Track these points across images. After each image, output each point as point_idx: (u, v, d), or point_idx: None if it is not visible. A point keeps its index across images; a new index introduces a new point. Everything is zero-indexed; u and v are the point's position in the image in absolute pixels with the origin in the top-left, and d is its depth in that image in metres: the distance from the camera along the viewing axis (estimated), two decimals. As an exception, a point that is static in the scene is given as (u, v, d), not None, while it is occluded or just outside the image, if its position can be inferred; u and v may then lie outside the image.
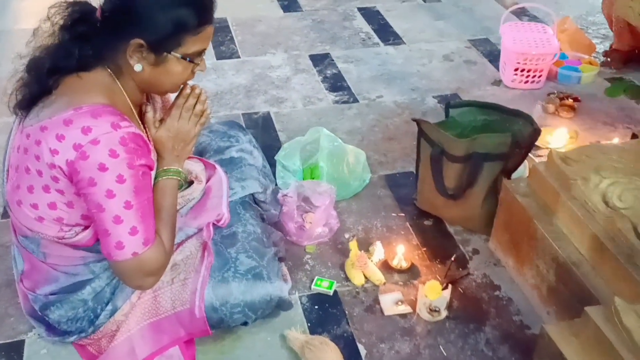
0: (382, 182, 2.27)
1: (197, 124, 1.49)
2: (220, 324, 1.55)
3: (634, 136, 2.12)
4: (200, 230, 1.60)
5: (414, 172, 2.29)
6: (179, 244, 1.57)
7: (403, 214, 2.12)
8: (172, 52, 1.33)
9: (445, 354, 1.65)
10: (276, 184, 2.12)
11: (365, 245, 1.96)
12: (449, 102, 2.04)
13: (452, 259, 1.86)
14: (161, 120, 1.48)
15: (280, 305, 1.62)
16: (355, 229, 2.05)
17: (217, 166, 1.73)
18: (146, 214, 1.34)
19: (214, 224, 1.61)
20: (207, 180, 1.70)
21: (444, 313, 1.73)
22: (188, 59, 1.37)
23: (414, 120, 1.97)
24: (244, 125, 2.53)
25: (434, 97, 2.83)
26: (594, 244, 1.57)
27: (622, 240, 1.50)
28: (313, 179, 2.18)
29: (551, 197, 1.73)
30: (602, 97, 2.85)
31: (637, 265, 1.46)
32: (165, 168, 1.46)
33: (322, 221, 1.96)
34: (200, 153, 1.87)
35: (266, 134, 2.53)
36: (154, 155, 1.43)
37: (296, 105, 2.74)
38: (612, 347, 1.29)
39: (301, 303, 1.78)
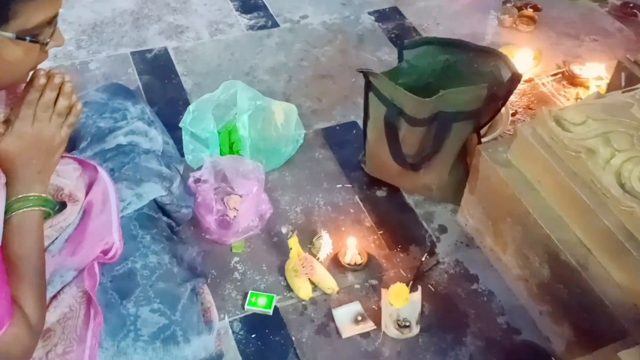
0: (320, 140, 1.82)
1: (62, 125, 1.00)
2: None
3: (620, 67, 1.74)
4: (82, 271, 1.13)
5: (357, 123, 1.86)
6: (53, 297, 1.10)
7: (350, 185, 1.69)
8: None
9: (422, 384, 1.31)
10: (185, 160, 1.63)
11: (307, 236, 1.55)
12: (403, 43, 1.56)
13: (423, 259, 1.48)
14: (6, 122, 0.97)
15: (207, 363, 1.20)
16: (292, 213, 1.62)
17: (100, 169, 1.22)
18: None
19: (100, 260, 1.13)
20: (87, 191, 1.21)
21: (415, 328, 1.37)
22: (28, 38, 0.85)
23: (361, 71, 1.49)
24: (133, 64, 1.98)
25: (369, 13, 2.32)
26: (606, 240, 1.22)
27: (648, 239, 1.15)
28: (232, 146, 1.70)
29: (543, 173, 1.35)
30: (562, 2, 2.44)
31: (669, 273, 1.12)
32: (21, 196, 0.97)
33: (251, 213, 1.51)
34: (73, 142, 1.34)
35: (165, 82, 1.98)
36: None
37: (201, 36, 2.18)
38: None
39: (233, 331, 1.37)
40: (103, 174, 1.22)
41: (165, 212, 1.38)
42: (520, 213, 1.37)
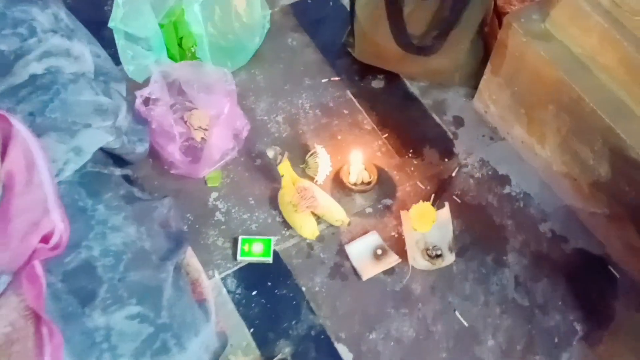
0: (290, 20, 1.44)
1: None
2: None
3: None
4: (19, 273, 0.81)
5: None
6: (-16, 317, 0.79)
7: (338, 77, 1.36)
8: None
9: (465, 323, 1.09)
10: (126, 74, 1.25)
11: (297, 153, 1.24)
12: None
13: (453, 175, 1.19)
14: None
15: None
16: (273, 124, 1.29)
17: (13, 120, 0.86)
18: None
19: (41, 254, 0.81)
20: (2, 155, 0.85)
21: (449, 256, 1.12)
22: None
23: None
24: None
25: None
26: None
27: None
28: (182, 42, 1.31)
29: (601, 47, 1.05)
30: None
31: None
32: None
33: (227, 137, 1.18)
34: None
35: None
36: None
37: None
38: None
39: (228, 291, 1.10)
40: (19, 127, 0.87)
41: (114, 157, 1.04)
42: (569, 99, 1.09)
